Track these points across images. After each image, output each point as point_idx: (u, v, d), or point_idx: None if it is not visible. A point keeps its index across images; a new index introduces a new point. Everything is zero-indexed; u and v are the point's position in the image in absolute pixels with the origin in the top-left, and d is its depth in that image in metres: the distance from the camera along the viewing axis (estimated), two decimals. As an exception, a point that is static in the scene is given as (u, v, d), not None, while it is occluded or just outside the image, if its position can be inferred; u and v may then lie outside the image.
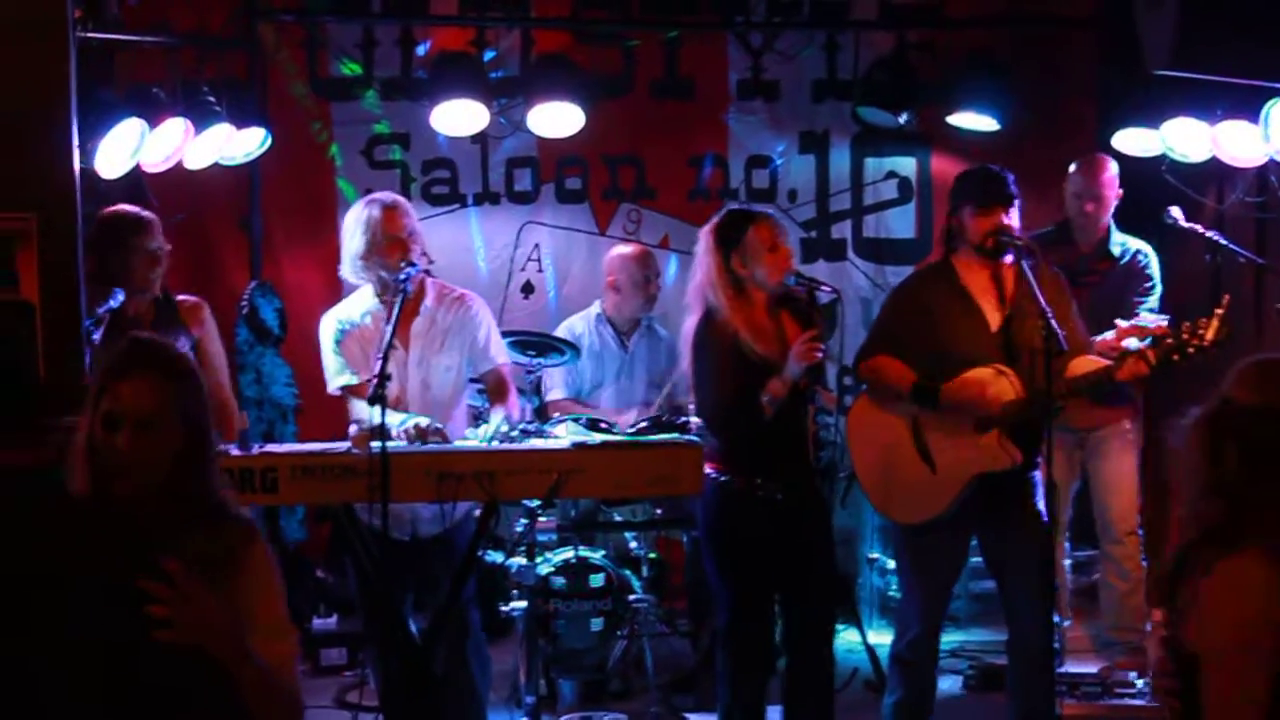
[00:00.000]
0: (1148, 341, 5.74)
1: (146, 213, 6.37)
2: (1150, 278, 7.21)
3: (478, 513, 5.62)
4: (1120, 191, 7.33)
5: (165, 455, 3.29)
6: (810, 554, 5.84)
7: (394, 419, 5.49)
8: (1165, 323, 5.82)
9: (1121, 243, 7.30)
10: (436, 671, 5.62)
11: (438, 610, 5.63)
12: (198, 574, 3.18)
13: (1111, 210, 7.31)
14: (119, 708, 3.20)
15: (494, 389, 6.02)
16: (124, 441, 3.25)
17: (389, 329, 5.40)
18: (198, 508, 3.35)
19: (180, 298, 6.37)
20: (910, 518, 5.95)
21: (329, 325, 5.96)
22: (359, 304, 5.96)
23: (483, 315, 6.02)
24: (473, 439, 5.64)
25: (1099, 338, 6.25)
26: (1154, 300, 7.14)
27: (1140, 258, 7.27)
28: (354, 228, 5.87)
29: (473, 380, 6.22)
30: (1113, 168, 7.36)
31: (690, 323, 5.94)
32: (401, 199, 6.00)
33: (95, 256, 6.16)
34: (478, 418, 6.16)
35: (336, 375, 5.91)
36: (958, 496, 5.73)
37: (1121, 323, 5.94)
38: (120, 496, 3.28)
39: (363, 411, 5.57)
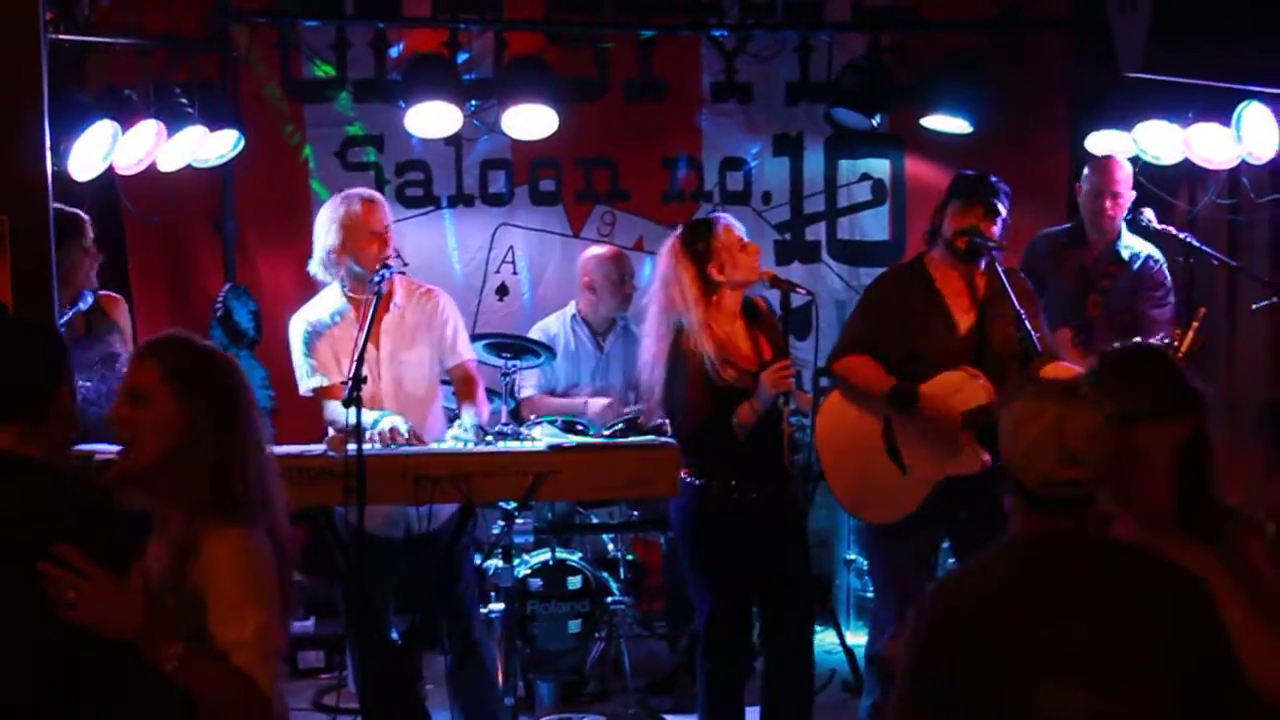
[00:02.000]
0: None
1: (79, 210, 6.34)
2: (1163, 284, 7.20)
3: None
4: (1134, 194, 7.36)
5: (155, 432, 3.48)
6: (786, 556, 5.84)
7: (367, 418, 5.48)
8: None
9: (1130, 246, 7.29)
10: (414, 674, 5.62)
11: (424, 611, 5.62)
12: (169, 557, 3.41)
13: (1125, 210, 7.31)
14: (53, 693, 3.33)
15: (461, 384, 6.01)
16: (121, 410, 3.51)
17: (363, 333, 5.39)
18: (186, 493, 3.47)
19: (101, 293, 6.36)
20: (881, 518, 5.96)
21: (298, 327, 5.94)
22: (327, 304, 5.95)
23: (450, 311, 6.03)
24: (449, 440, 5.62)
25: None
26: (1169, 310, 7.12)
27: (1152, 263, 7.27)
28: (330, 222, 5.87)
29: (444, 383, 6.21)
30: (1127, 168, 7.39)
31: (652, 342, 5.93)
32: (379, 195, 6.00)
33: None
34: (453, 420, 6.15)
35: (308, 378, 5.90)
36: (927, 497, 5.75)
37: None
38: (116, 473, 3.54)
39: (337, 413, 5.58)
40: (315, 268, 5.94)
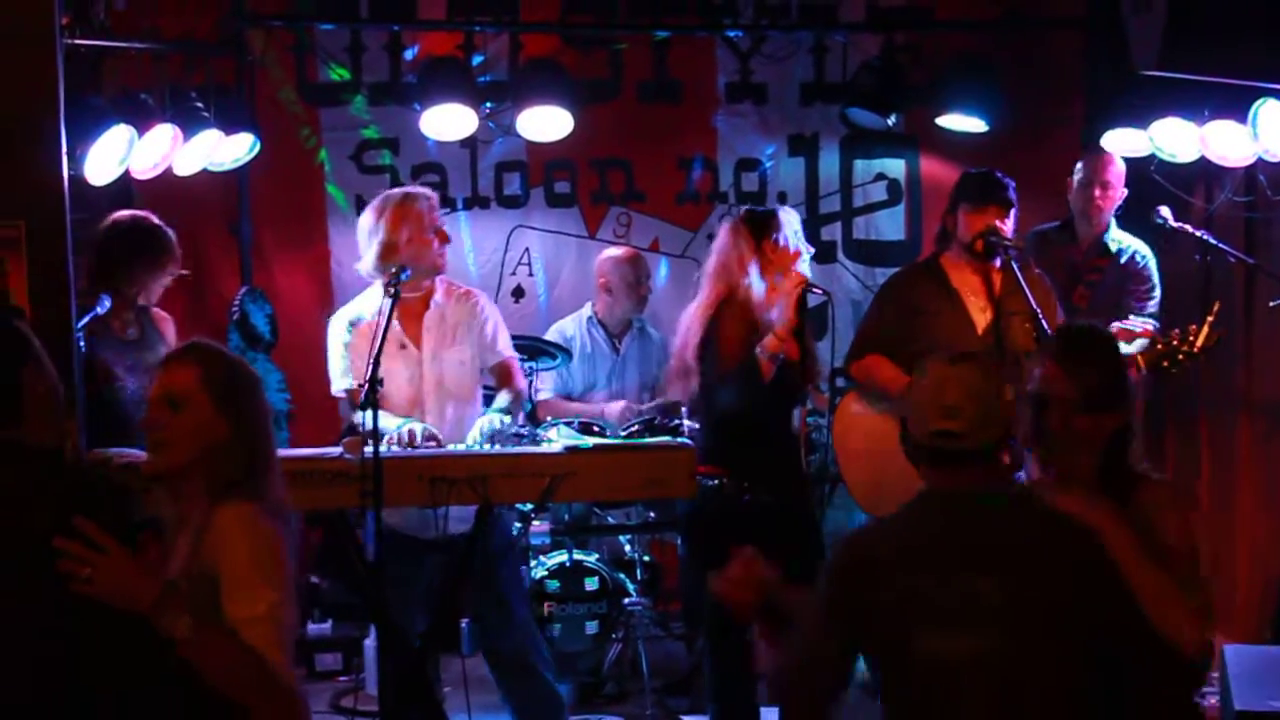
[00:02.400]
0: (1136, 346, 5.76)
1: (163, 226, 6.43)
2: (1149, 280, 7.22)
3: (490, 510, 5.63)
4: (1125, 191, 7.38)
5: (191, 437, 3.59)
6: (799, 558, 5.82)
7: (392, 424, 5.49)
8: (1152, 326, 5.84)
9: (1119, 240, 7.32)
10: (431, 676, 5.62)
11: (440, 613, 5.63)
12: (189, 546, 3.50)
13: (1115, 206, 7.34)
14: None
15: (501, 377, 5.99)
16: (160, 414, 3.61)
17: (380, 331, 5.38)
18: (212, 488, 3.58)
19: (154, 310, 6.38)
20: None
21: (338, 326, 5.93)
22: (370, 303, 5.91)
23: (489, 311, 6.02)
24: (479, 427, 5.61)
25: None
26: (1154, 305, 7.15)
27: (1139, 258, 7.29)
28: (389, 220, 5.81)
29: (486, 388, 6.21)
30: (1120, 164, 7.41)
31: (699, 301, 5.97)
32: (434, 194, 6.02)
33: (108, 259, 6.20)
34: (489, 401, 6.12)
35: (341, 377, 5.88)
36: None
37: (1113, 325, 5.95)
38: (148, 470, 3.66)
39: (384, 416, 5.61)
40: (366, 266, 5.90)
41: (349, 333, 5.87)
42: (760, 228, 5.90)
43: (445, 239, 5.90)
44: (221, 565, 3.43)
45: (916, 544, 3.57)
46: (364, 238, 5.88)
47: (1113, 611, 3.47)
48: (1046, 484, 3.91)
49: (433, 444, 5.53)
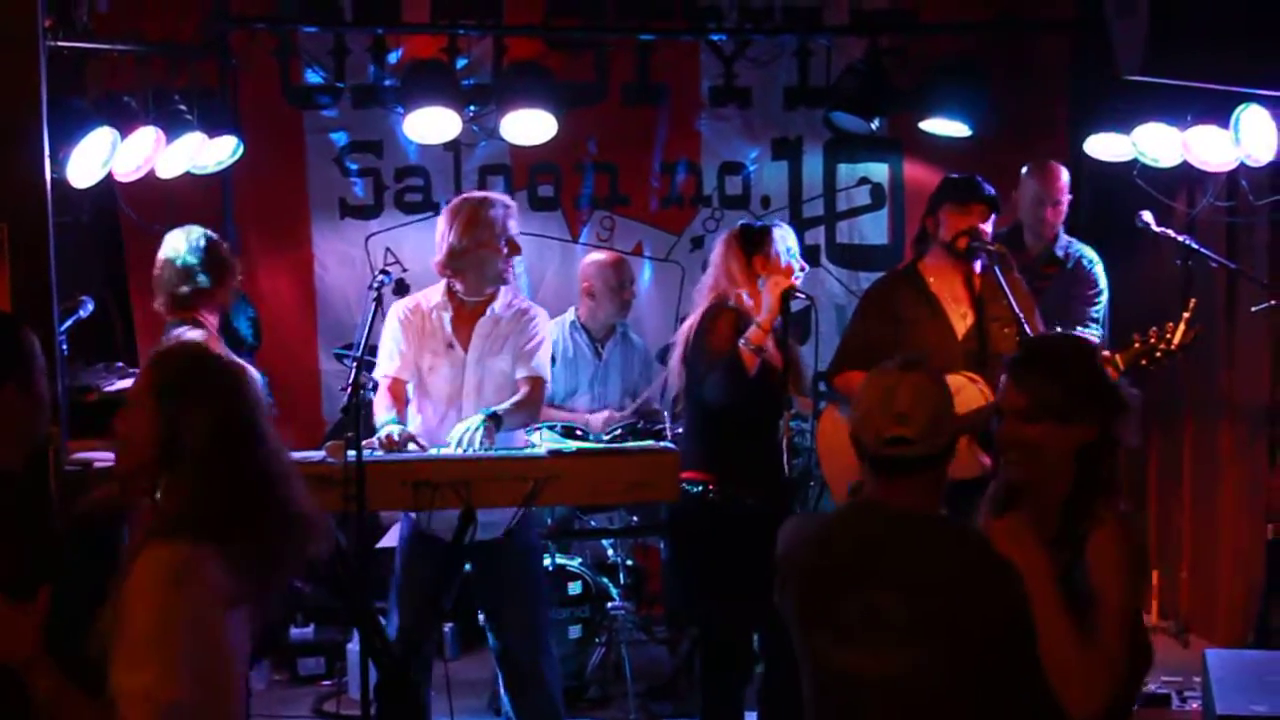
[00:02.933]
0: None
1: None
2: (1096, 284, 7.24)
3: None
4: (1070, 197, 7.42)
5: (135, 442, 3.32)
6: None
7: (384, 418, 5.57)
8: (1097, 336, 5.88)
9: (1067, 246, 7.34)
10: (415, 679, 5.61)
11: (421, 613, 5.62)
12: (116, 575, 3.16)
13: (1064, 217, 7.40)
14: None
15: (519, 387, 5.93)
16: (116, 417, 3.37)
17: (362, 334, 5.40)
18: (166, 508, 3.28)
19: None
20: None
21: (397, 310, 5.97)
22: (431, 297, 5.97)
23: (541, 329, 5.98)
24: (456, 436, 5.60)
25: None
26: (1100, 309, 7.18)
27: (1085, 263, 7.31)
28: (466, 222, 5.82)
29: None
30: (1066, 174, 7.45)
31: (695, 316, 6.02)
32: (513, 201, 6.02)
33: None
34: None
35: (386, 361, 5.92)
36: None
37: None
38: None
39: (378, 406, 5.69)
40: (435, 265, 5.93)
41: (405, 315, 5.93)
42: (752, 243, 5.92)
43: (515, 249, 5.89)
44: (123, 620, 3.10)
45: (834, 551, 3.60)
46: (437, 237, 5.92)
47: (1011, 654, 3.41)
48: (996, 501, 3.79)
49: (413, 446, 5.53)
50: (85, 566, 3.41)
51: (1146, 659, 3.68)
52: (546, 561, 7.00)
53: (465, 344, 5.85)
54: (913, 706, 3.43)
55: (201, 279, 6.17)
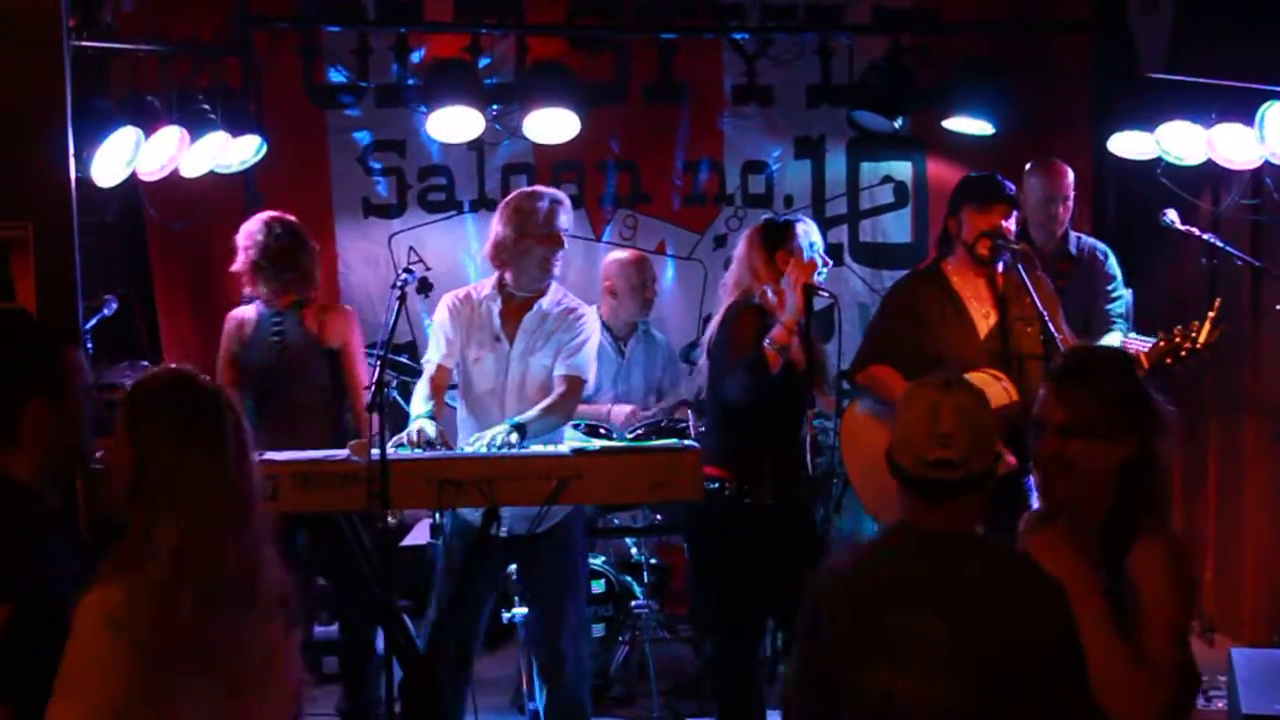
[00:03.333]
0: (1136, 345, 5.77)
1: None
2: (1112, 276, 7.22)
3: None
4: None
5: (114, 471, 3.27)
6: (802, 560, 5.80)
7: (420, 409, 5.65)
8: (1143, 345, 5.85)
9: (1078, 241, 7.31)
10: (441, 678, 5.62)
11: (447, 608, 5.64)
12: None
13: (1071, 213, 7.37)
14: None
15: (557, 386, 5.94)
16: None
17: (388, 329, 5.42)
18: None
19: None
20: None
21: (447, 299, 6.03)
22: (481, 289, 6.02)
23: (587, 329, 6.01)
24: (476, 444, 5.62)
25: None
26: (1120, 304, 7.16)
27: (1099, 255, 7.29)
28: (514, 213, 5.88)
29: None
30: (1069, 170, 7.39)
31: (719, 312, 6.04)
32: (567, 199, 6.04)
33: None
34: None
35: (433, 350, 6.00)
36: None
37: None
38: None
39: (418, 395, 5.78)
40: (486, 254, 5.99)
41: (455, 305, 5.98)
42: (775, 238, 5.91)
43: (557, 243, 5.90)
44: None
45: (876, 578, 3.44)
46: (492, 231, 6.00)
47: (1062, 674, 3.32)
48: (1036, 517, 3.75)
49: (443, 446, 5.54)
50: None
51: (1195, 680, 3.62)
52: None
53: (511, 338, 5.88)
54: None
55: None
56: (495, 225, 5.95)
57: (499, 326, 5.88)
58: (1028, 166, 7.34)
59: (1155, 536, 3.55)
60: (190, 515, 3.16)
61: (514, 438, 5.54)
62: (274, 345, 6.52)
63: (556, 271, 5.98)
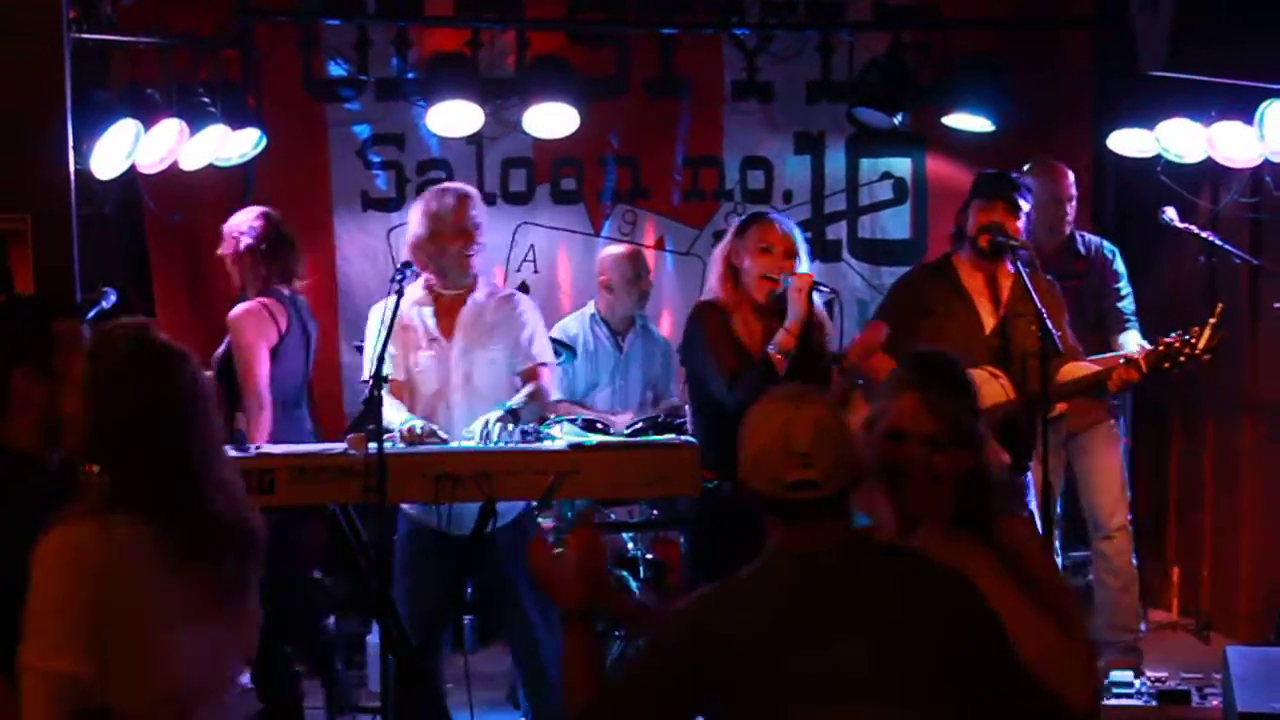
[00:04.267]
0: (1134, 346, 5.78)
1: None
2: (1120, 275, 7.24)
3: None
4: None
5: (74, 423, 3.32)
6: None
7: (399, 418, 5.51)
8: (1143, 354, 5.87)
9: (1084, 238, 7.31)
10: (432, 670, 5.62)
11: (439, 605, 5.63)
12: None
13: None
14: None
15: (527, 380, 5.95)
16: None
17: (384, 328, 5.38)
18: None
19: None
20: None
21: (376, 314, 5.93)
22: (409, 295, 5.93)
23: (529, 315, 6.01)
24: (477, 431, 5.60)
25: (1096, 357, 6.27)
26: (1131, 301, 7.18)
27: (1108, 252, 7.30)
28: (421, 214, 5.87)
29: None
30: (1069, 171, 7.40)
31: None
32: (474, 191, 6.01)
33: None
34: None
35: (370, 364, 5.88)
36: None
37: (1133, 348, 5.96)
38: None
39: (390, 407, 5.60)
40: (406, 254, 5.96)
41: (382, 322, 5.89)
42: (736, 234, 5.88)
43: (469, 239, 5.87)
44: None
45: (775, 613, 3.11)
46: (407, 230, 5.99)
47: (996, 664, 3.11)
48: (894, 525, 3.55)
49: (434, 440, 5.53)
50: None
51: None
52: (566, 555, 7.00)
53: (449, 334, 5.86)
54: None
55: None
56: (410, 226, 5.93)
57: (434, 327, 5.85)
58: (1025, 168, 7.32)
59: (1012, 514, 3.56)
60: (149, 459, 3.20)
61: (510, 426, 5.55)
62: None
63: (475, 267, 5.95)
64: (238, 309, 6.47)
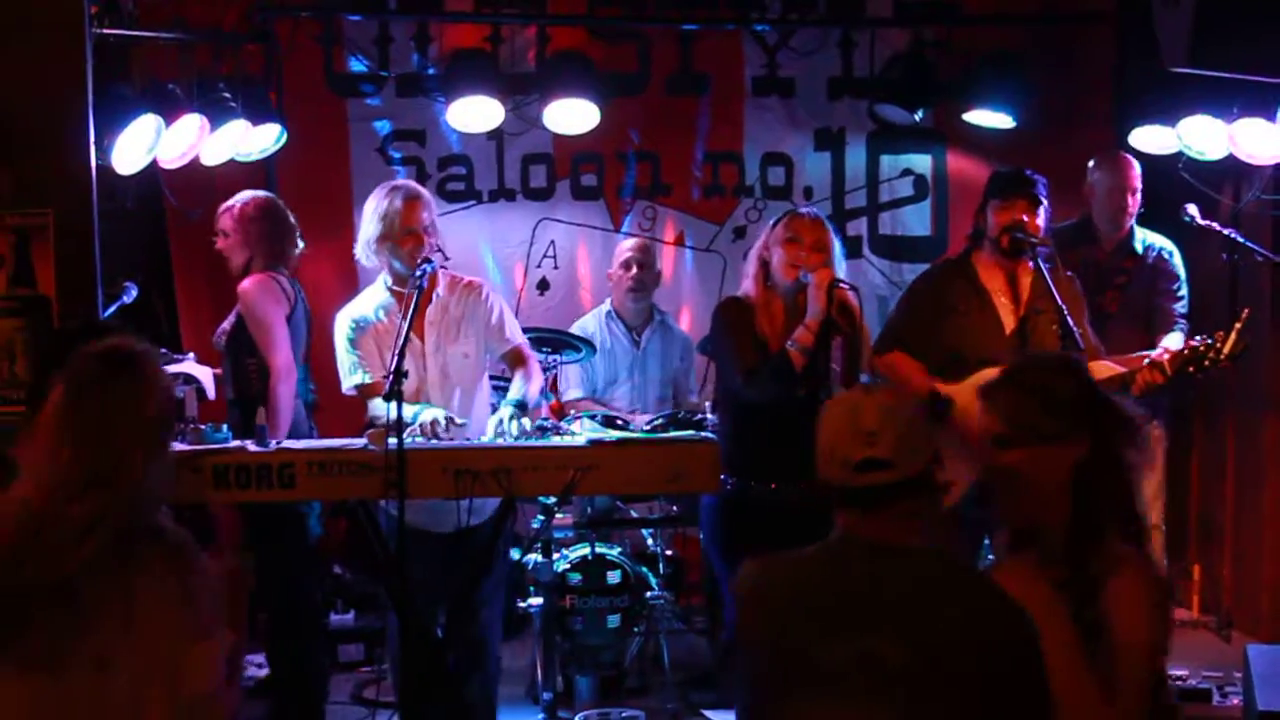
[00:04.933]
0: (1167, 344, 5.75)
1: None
2: (1177, 277, 7.20)
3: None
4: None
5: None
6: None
7: (408, 411, 5.47)
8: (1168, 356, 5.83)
9: (1144, 239, 7.28)
10: (452, 667, 5.62)
11: (456, 603, 5.63)
12: None
13: (1140, 206, 7.29)
14: None
15: (513, 363, 5.99)
16: None
17: (404, 324, 5.38)
18: None
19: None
20: None
21: (342, 324, 5.93)
22: (371, 299, 5.94)
23: (494, 299, 5.99)
24: (491, 428, 5.60)
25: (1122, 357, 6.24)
26: (1183, 305, 7.15)
27: (1165, 254, 7.26)
28: (372, 214, 5.86)
29: (494, 379, 6.23)
30: (1137, 163, 7.35)
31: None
32: (424, 191, 5.98)
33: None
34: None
35: (350, 375, 5.88)
36: (962, 497, 5.69)
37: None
38: None
39: (379, 409, 5.57)
40: (359, 253, 5.95)
41: (352, 331, 5.88)
42: (771, 229, 5.88)
43: (418, 241, 5.81)
44: None
45: (820, 592, 3.15)
46: (360, 229, 5.99)
47: (1023, 704, 3.04)
48: (1003, 548, 3.51)
49: (452, 430, 5.52)
50: None
51: (1171, 714, 3.43)
52: (585, 550, 7.02)
53: (420, 334, 5.84)
54: None
55: None
56: (362, 224, 5.93)
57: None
58: (1091, 162, 7.31)
59: (1130, 565, 3.32)
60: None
61: (525, 422, 5.55)
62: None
63: (439, 258, 5.95)
64: (249, 280, 6.48)
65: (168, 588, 3.19)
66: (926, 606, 3.06)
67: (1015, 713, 3.03)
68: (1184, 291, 7.20)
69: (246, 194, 6.66)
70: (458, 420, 5.58)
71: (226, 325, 6.55)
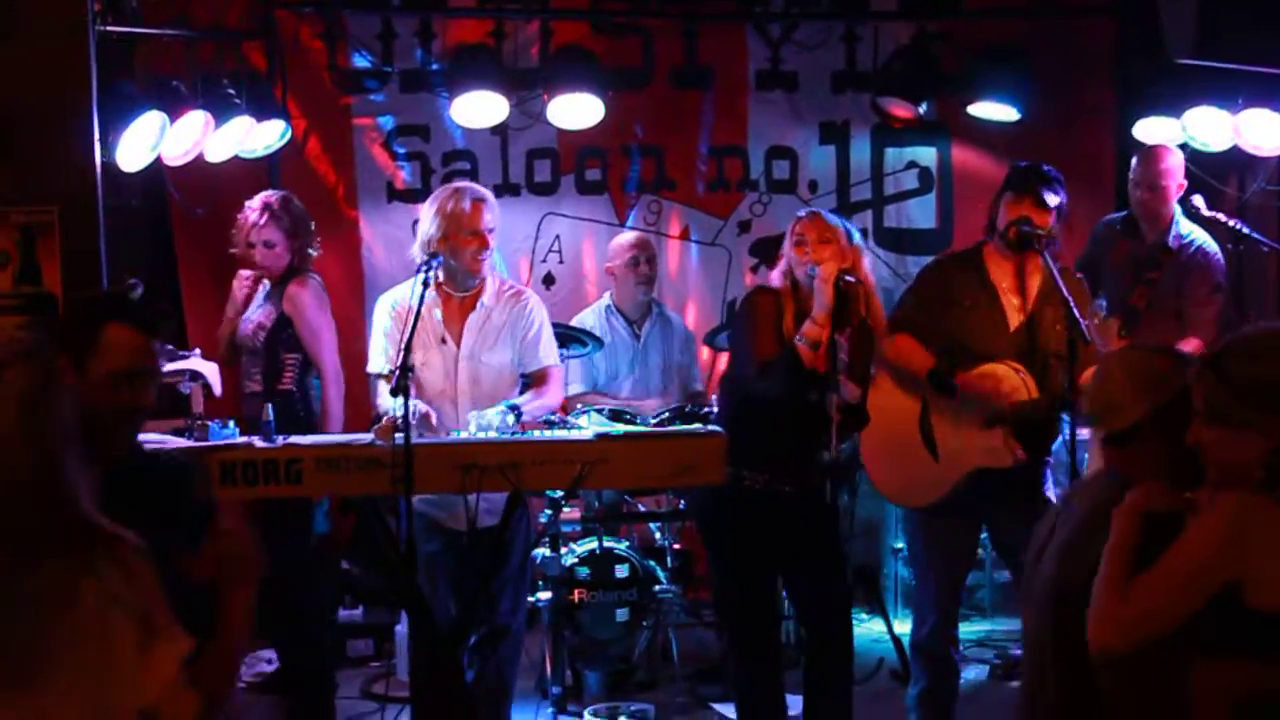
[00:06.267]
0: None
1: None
2: (1209, 281, 7.04)
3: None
4: (1184, 183, 7.16)
5: None
6: (816, 545, 5.78)
7: (396, 404, 5.47)
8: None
9: (1182, 234, 7.08)
10: (464, 662, 5.62)
11: (470, 600, 5.63)
12: None
13: (1171, 201, 7.12)
14: None
15: (535, 381, 5.95)
16: None
17: (411, 322, 5.37)
18: None
19: None
20: (907, 501, 5.99)
21: (383, 307, 5.93)
22: (416, 291, 5.94)
23: (537, 314, 5.97)
24: (473, 425, 5.58)
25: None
26: (1213, 310, 7.02)
27: (1201, 254, 7.08)
28: (435, 213, 5.83)
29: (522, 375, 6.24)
30: (1172, 158, 7.19)
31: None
32: (489, 194, 5.97)
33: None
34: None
35: (377, 357, 5.89)
36: (956, 486, 5.69)
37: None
38: None
39: (385, 400, 5.59)
40: (415, 251, 5.90)
41: (389, 316, 5.87)
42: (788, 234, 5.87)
43: (483, 243, 5.82)
44: None
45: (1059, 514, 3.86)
46: (419, 226, 5.97)
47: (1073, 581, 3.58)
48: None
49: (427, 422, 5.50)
50: None
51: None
52: (593, 544, 7.02)
53: (457, 339, 5.84)
54: (1040, 666, 3.74)
55: None
56: (422, 222, 5.91)
57: (443, 328, 5.83)
58: (1135, 159, 7.25)
59: (1237, 494, 3.26)
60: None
61: (510, 419, 5.54)
62: None
63: (485, 269, 5.91)
64: (302, 287, 6.49)
65: (111, 590, 3.03)
66: (1072, 524, 3.76)
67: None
68: (1219, 296, 7.05)
69: (273, 200, 6.64)
70: (433, 423, 5.56)
71: (264, 320, 6.51)
